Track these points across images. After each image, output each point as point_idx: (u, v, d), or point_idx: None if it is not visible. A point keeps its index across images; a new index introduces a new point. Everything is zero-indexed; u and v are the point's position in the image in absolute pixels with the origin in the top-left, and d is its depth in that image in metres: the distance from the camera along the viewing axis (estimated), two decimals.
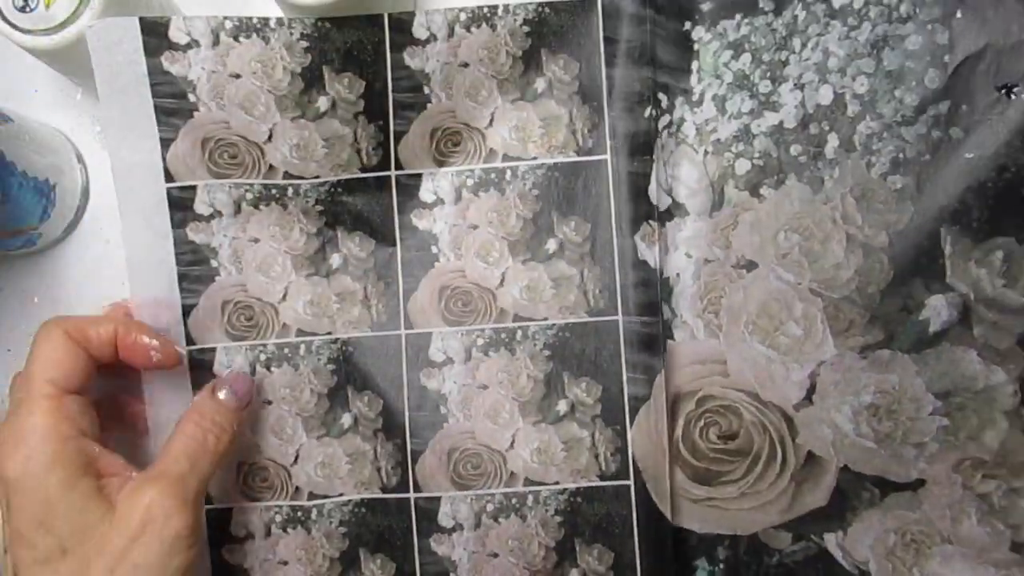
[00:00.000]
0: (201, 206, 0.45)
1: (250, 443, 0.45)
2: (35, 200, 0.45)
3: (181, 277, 0.45)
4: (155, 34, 0.43)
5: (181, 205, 0.44)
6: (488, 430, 0.46)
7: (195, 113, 0.44)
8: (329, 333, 0.46)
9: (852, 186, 0.44)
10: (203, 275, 0.45)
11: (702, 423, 0.46)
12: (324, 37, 0.45)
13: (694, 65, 0.46)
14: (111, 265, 0.48)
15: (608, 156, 0.46)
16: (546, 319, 0.46)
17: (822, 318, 0.45)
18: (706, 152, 0.46)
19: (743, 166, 0.46)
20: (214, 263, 0.45)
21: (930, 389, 0.43)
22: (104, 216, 0.48)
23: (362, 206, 0.46)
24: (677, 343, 0.46)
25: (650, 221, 0.46)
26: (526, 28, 0.46)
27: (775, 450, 0.45)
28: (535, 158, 0.46)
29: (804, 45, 0.45)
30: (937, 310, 0.43)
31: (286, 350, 0.45)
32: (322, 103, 0.45)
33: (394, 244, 0.46)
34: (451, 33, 0.45)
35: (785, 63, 0.45)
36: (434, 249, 0.46)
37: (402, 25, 0.45)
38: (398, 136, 0.46)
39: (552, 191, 0.46)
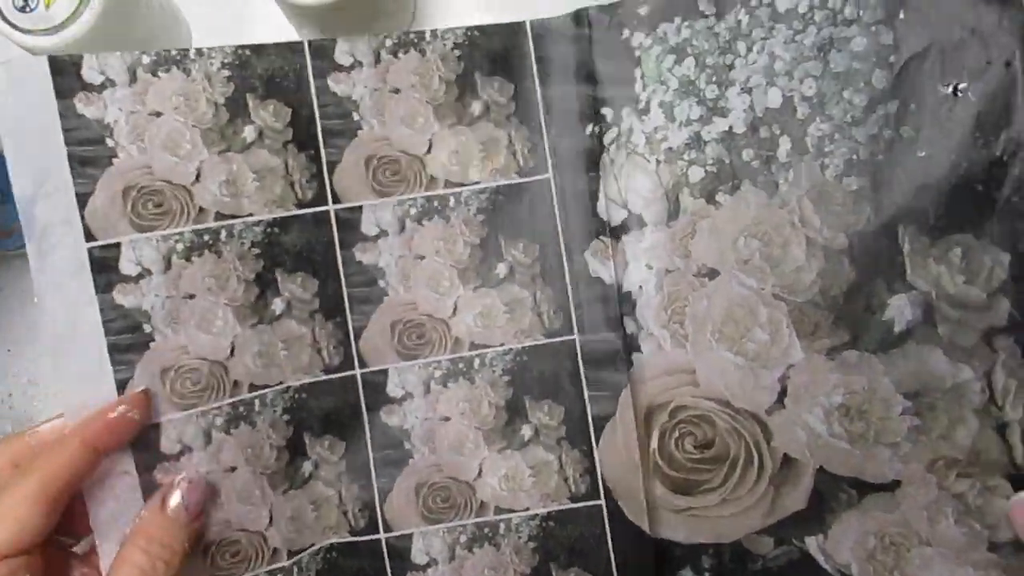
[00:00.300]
0: (127, 265, 0.38)
1: (216, 520, 0.39)
2: None
3: (111, 348, 0.37)
4: (66, 74, 0.36)
5: (105, 266, 0.37)
6: (454, 462, 0.41)
7: (114, 160, 0.37)
8: (280, 383, 0.40)
9: (808, 189, 0.40)
10: (135, 343, 0.38)
11: (677, 434, 0.41)
12: (244, 65, 0.38)
13: (637, 72, 0.41)
14: None
15: (550, 175, 0.41)
16: (502, 345, 0.41)
17: (787, 322, 0.40)
18: (658, 161, 0.41)
19: (696, 173, 0.41)
20: (147, 328, 0.38)
21: (899, 389, 0.39)
22: None
23: (301, 245, 0.40)
24: (645, 355, 0.41)
25: (602, 237, 0.41)
26: (457, 52, 0.40)
27: (751, 455, 0.41)
28: (477, 183, 0.41)
29: (749, 49, 0.40)
30: (900, 309, 0.39)
31: (241, 408, 0.39)
32: (248, 133, 0.39)
33: (339, 281, 0.40)
34: (377, 59, 0.39)
35: (731, 67, 0.40)
36: (381, 283, 0.40)
37: (323, 52, 0.39)
38: (331, 166, 0.40)
39: (497, 215, 0.41)
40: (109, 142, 0.37)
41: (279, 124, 0.39)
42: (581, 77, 0.40)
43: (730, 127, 0.40)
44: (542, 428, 0.41)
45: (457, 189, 0.40)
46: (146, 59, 0.37)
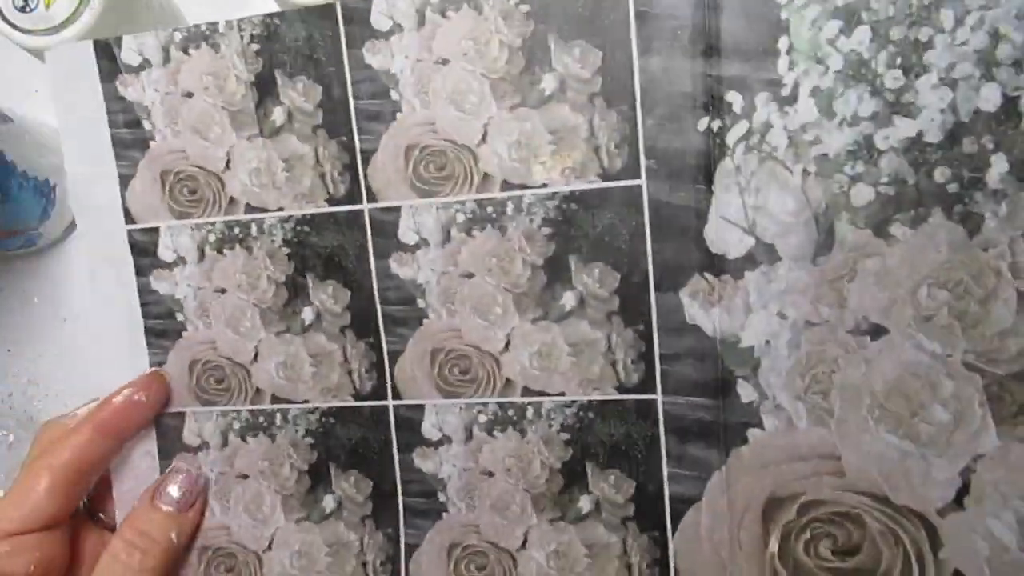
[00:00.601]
0: (165, 251, 0.33)
1: (218, 525, 0.35)
2: (35, 200, 0.38)
3: (148, 331, 0.34)
4: (108, 56, 0.32)
5: (144, 250, 0.33)
6: (495, 525, 0.32)
7: (151, 143, 0.33)
8: (306, 401, 0.33)
9: None
10: (169, 330, 0.34)
11: (808, 535, 0.29)
12: (273, 36, 0.30)
13: (783, 43, 0.27)
14: None
15: (643, 181, 0.28)
16: (563, 394, 0.31)
17: (981, 400, 0.27)
18: (806, 172, 0.27)
19: (863, 194, 0.27)
20: (180, 316, 0.34)
21: None
22: None
23: (333, 248, 0.32)
24: (767, 433, 0.29)
25: (707, 274, 0.28)
26: (525, 7, 0.28)
27: (911, 569, 0.28)
28: (544, 185, 0.30)
29: (959, 22, 0.24)
30: None
31: (261, 418, 0.34)
32: (277, 115, 0.31)
33: (372, 296, 0.32)
34: (422, 21, 0.29)
35: (927, 45, 0.25)
36: (420, 303, 0.32)
37: (358, 15, 0.30)
38: (366, 156, 0.31)
39: (568, 229, 0.30)
40: (146, 124, 0.33)
41: (309, 105, 0.31)
42: (699, 47, 0.27)
43: (919, 133, 0.25)
44: (605, 503, 0.31)
45: (517, 192, 0.30)
46: (178, 36, 0.32)
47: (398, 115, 0.30)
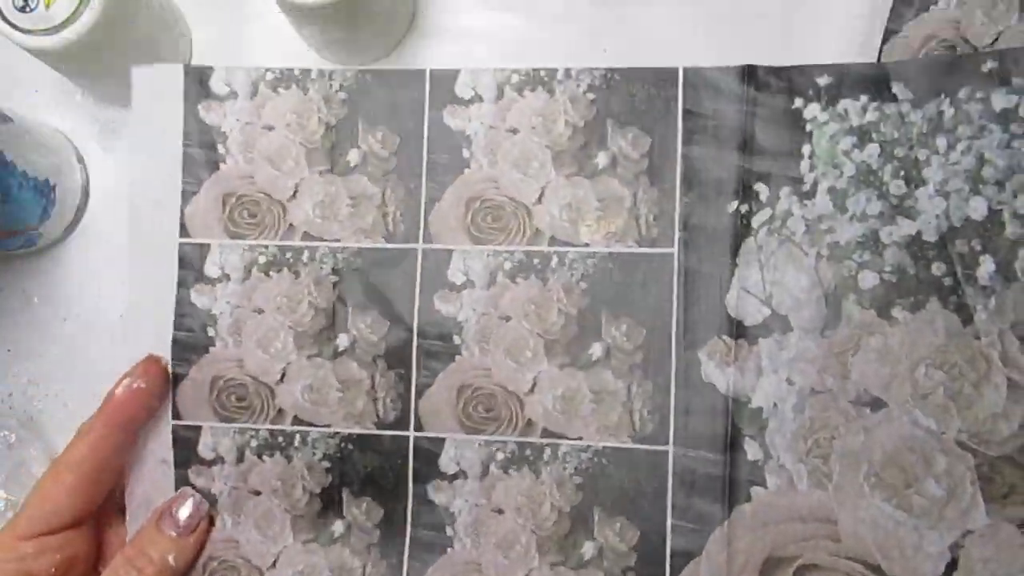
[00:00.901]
0: (212, 268, 0.34)
1: (227, 537, 0.34)
2: (35, 200, 0.38)
3: (175, 341, 0.34)
4: (197, 82, 0.35)
5: (190, 264, 0.34)
6: (497, 564, 0.33)
7: (221, 166, 0.34)
8: (328, 425, 0.34)
9: (1014, 323, 0.29)
10: (197, 344, 0.34)
11: None
12: (364, 90, 0.34)
13: (805, 149, 0.32)
14: (111, 266, 0.39)
15: (675, 250, 0.32)
16: (580, 439, 0.33)
17: (972, 478, 0.30)
18: (819, 256, 0.31)
19: (869, 279, 0.31)
20: (211, 332, 0.34)
21: None
22: (104, 217, 0.39)
23: (380, 280, 0.34)
24: (769, 491, 0.31)
25: (724, 336, 0.31)
26: (591, 95, 0.33)
27: None
28: (587, 245, 0.33)
29: (951, 147, 0.30)
30: None
31: (280, 438, 0.34)
32: (353, 156, 0.34)
33: (411, 329, 0.34)
34: (500, 95, 0.33)
35: (925, 163, 0.30)
36: (456, 339, 0.33)
37: (444, 82, 0.34)
38: (430, 203, 0.34)
39: (603, 286, 0.33)
40: (220, 149, 0.35)
41: (385, 152, 0.34)
42: (735, 143, 0.32)
43: (918, 232, 0.30)
44: (608, 550, 0.32)
45: (563, 248, 0.33)
46: (270, 75, 0.35)
47: (466, 170, 0.33)
